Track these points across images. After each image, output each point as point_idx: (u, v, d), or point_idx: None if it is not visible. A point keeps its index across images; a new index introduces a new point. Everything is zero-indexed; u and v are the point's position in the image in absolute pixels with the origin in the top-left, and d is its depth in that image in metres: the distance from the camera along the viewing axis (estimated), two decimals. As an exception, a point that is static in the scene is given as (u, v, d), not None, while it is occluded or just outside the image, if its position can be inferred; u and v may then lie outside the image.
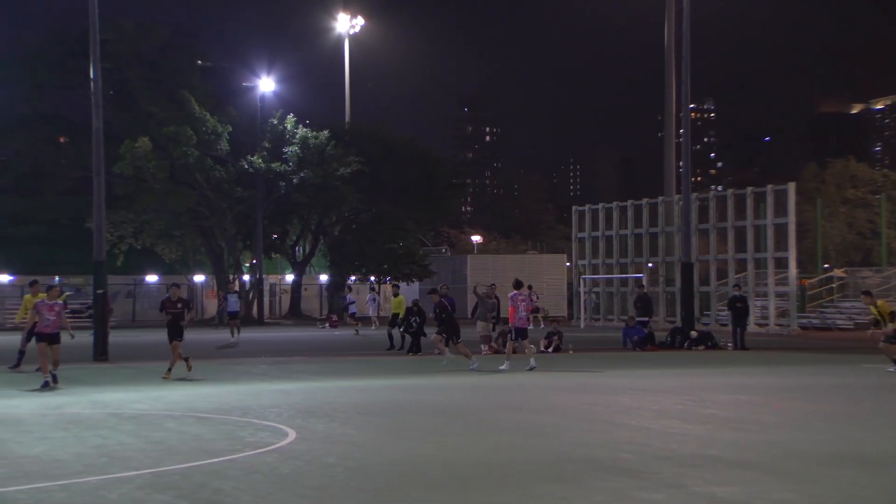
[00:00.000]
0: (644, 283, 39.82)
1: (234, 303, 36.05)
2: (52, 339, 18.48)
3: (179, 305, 20.38)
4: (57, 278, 53.44)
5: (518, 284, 22.92)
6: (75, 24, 47.21)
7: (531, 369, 21.33)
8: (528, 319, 22.93)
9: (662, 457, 10.43)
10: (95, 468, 10.01)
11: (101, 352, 25.74)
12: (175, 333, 19.99)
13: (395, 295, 31.09)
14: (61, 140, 55.57)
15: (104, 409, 15.21)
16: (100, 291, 26.59)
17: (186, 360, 20.05)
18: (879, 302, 22.53)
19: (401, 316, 28.86)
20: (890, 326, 21.11)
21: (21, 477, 9.60)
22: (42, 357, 18.43)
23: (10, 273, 52.49)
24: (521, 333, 22.28)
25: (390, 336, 29.26)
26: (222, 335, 35.82)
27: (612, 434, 12.15)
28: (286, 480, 9.34)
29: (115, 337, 28.73)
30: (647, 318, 31.60)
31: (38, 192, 54.12)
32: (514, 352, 22.40)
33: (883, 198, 54.41)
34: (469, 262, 61.26)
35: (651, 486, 8.97)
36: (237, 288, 39.13)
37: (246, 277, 55.85)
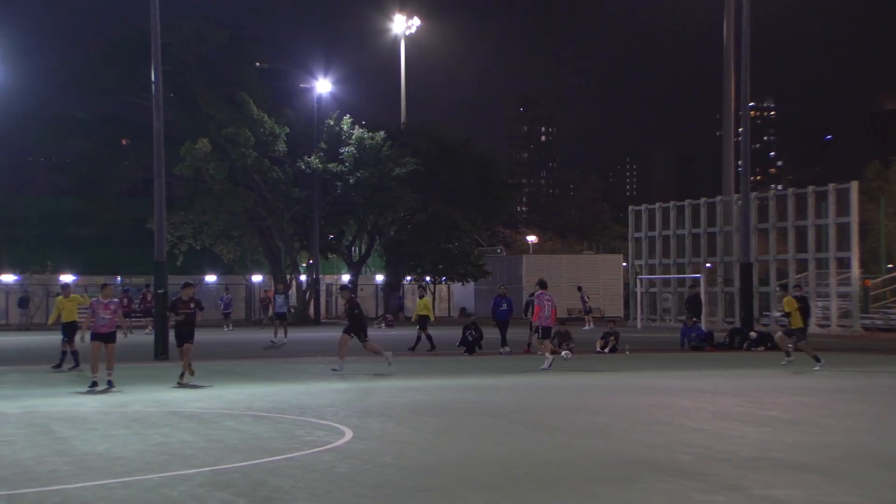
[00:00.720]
0: (701, 282, 39.35)
1: (281, 304, 35.24)
2: (108, 338, 18.16)
3: (192, 306, 19.20)
4: (118, 278, 54.48)
5: (543, 284, 23.31)
6: (137, 28, 47.91)
7: (547, 369, 21.51)
8: (551, 319, 22.79)
9: (721, 459, 10.31)
10: (157, 466, 10.16)
11: (161, 351, 26.11)
12: (186, 336, 18.98)
13: (422, 297, 30.58)
14: (123, 142, 56.54)
15: (165, 407, 15.44)
16: (160, 291, 26.95)
17: (189, 365, 19.00)
18: (786, 298, 23.70)
19: (431, 319, 29.14)
20: (791, 322, 22.95)
21: (84, 474, 9.78)
22: (94, 357, 18.00)
23: (73, 273, 53.50)
24: (546, 333, 22.56)
25: (426, 337, 28.75)
26: (266, 335, 35.90)
27: (669, 435, 12.03)
28: (343, 479, 9.40)
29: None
30: (695, 319, 31.21)
31: (100, 194, 55.13)
32: (551, 351, 22.52)
33: (949, 196, 53.23)
34: (524, 262, 61.11)
35: (710, 488, 8.88)
36: (283, 289, 38.54)
37: (303, 277, 56.30)
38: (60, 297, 22.71)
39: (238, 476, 9.55)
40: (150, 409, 15.12)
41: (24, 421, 13.92)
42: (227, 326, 42.91)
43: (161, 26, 28.66)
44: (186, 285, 19.47)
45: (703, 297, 36.60)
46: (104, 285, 19.13)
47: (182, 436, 12.25)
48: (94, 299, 18.66)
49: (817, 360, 22.25)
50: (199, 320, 19.69)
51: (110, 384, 17.83)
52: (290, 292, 55.05)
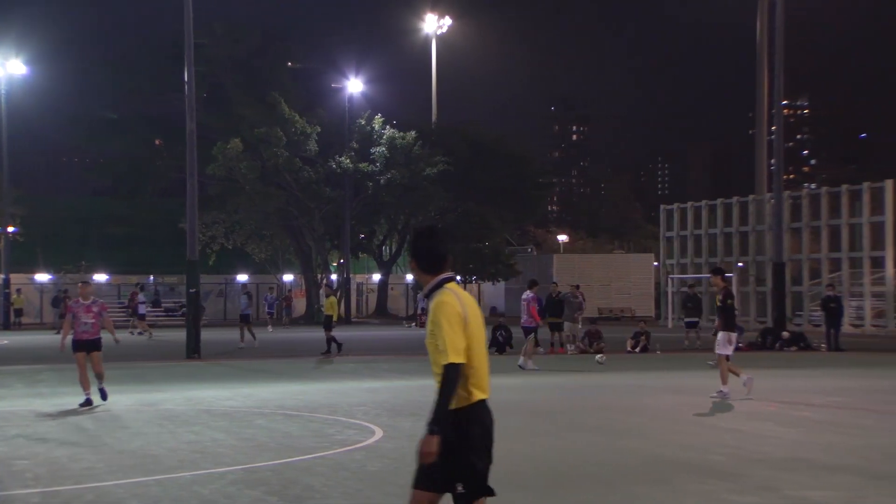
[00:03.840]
0: (692, 283, 39.02)
1: (245, 305, 32.09)
2: (91, 346, 15.21)
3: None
4: (150, 277, 54.97)
5: (532, 284, 23.21)
6: (171, 29, 48.36)
7: (522, 367, 21.45)
8: (532, 319, 22.59)
9: (755, 459, 10.23)
10: (189, 463, 10.23)
11: (193, 349, 26.29)
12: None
13: (328, 296, 28.71)
14: (157, 142, 57.03)
15: (197, 405, 15.54)
16: (193, 290, 27.14)
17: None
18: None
19: (334, 319, 27.59)
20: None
21: (118, 471, 9.87)
22: (82, 370, 15.17)
23: (108, 272, 54.03)
24: (526, 332, 22.45)
25: (330, 340, 27.02)
26: (288, 335, 35.54)
27: (702, 436, 11.96)
28: (374, 478, 9.42)
29: (207, 335, 29.32)
30: (696, 319, 30.71)
31: (134, 193, 55.67)
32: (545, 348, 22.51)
33: None
34: (555, 261, 60.95)
35: (743, 488, 8.81)
36: (246, 289, 35.45)
37: (334, 277, 56.52)
38: None
39: (269, 474, 9.59)
40: (183, 408, 15.23)
41: (57, 419, 14.08)
42: (270, 327, 42.60)
43: (194, 27, 28.85)
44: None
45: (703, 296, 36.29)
46: (83, 283, 16.07)
47: (214, 434, 12.32)
48: (73, 301, 15.72)
49: None
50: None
51: (103, 394, 15.40)
52: (320, 291, 55.34)
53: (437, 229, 5.71)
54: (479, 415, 5.38)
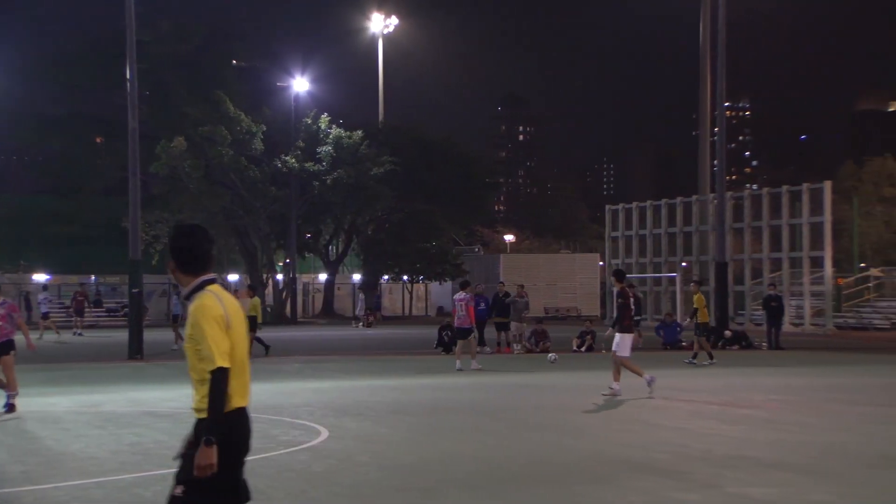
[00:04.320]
0: (633, 283, 39.39)
1: (176, 305, 31.18)
2: (2, 349, 14.25)
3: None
4: (92, 277, 54.14)
5: (464, 285, 23.06)
6: (113, 26, 47.61)
7: (460, 369, 21.27)
8: (468, 320, 22.16)
9: (698, 457, 10.34)
10: (131, 465, 10.08)
11: (136, 350, 25.94)
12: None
13: (251, 297, 27.40)
14: (98, 140, 56.15)
15: (140, 407, 15.34)
16: (135, 290, 26.79)
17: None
18: (699, 295, 24.42)
19: (259, 321, 26.41)
20: (700, 319, 23.67)
21: (57, 474, 9.69)
22: None
23: (48, 272, 53.09)
24: (461, 333, 22.17)
25: (256, 340, 25.80)
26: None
27: (647, 434, 12.06)
28: (319, 479, 9.36)
29: (150, 335, 28.94)
30: (637, 318, 30.96)
31: (75, 192, 54.71)
32: (463, 352, 22.02)
33: (922, 196, 53.73)
34: (502, 261, 61.15)
35: (686, 486, 8.90)
36: (176, 289, 34.53)
37: (279, 276, 56.14)
38: None
39: (213, 476, 9.47)
40: (125, 409, 15.02)
41: (-4, 421, 13.79)
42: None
43: (137, 23, 28.47)
44: None
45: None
46: None
47: (156, 435, 12.16)
48: None
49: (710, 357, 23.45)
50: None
51: (10, 408, 14.24)
52: (266, 291, 54.98)
53: (199, 227, 5.48)
54: (238, 422, 5.25)
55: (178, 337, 29.79)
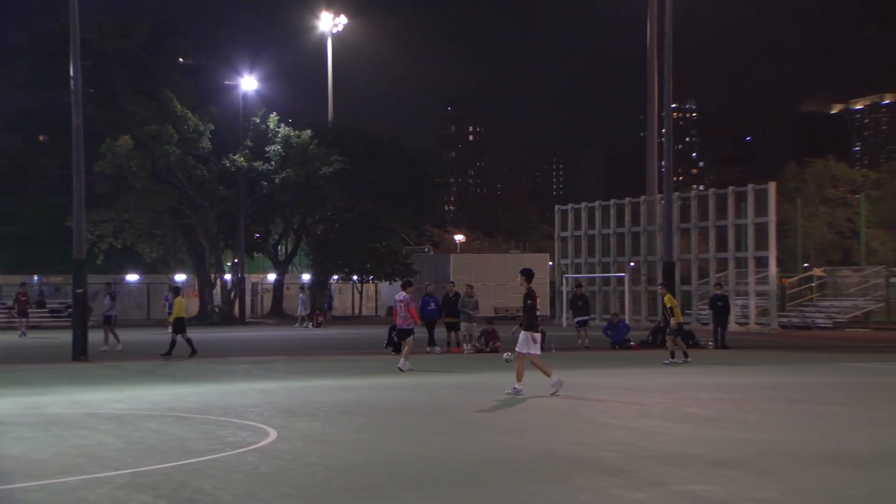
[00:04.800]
0: (582, 283, 39.85)
1: (109, 306, 30.45)
2: None
3: None
4: (36, 277, 53.25)
5: (407, 284, 22.91)
6: (56, 22, 46.85)
7: (401, 369, 21.18)
8: (410, 320, 22.20)
9: (645, 456, 10.43)
10: (75, 468, 9.93)
11: (80, 351, 25.58)
12: None
13: (176, 297, 27.82)
14: (41, 139, 55.23)
15: (84, 408, 15.11)
16: (79, 291, 26.41)
17: None
18: (668, 297, 24.99)
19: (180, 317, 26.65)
20: (673, 321, 24.06)
21: (-1, 477, 9.52)
22: None
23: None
24: (403, 334, 22.10)
25: (174, 342, 26.51)
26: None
27: (595, 433, 12.15)
28: (267, 480, 9.29)
29: (95, 336, 28.54)
30: (585, 318, 31.32)
31: (18, 191, 53.75)
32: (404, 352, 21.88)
33: (862, 197, 54.74)
34: (452, 261, 61.25)
35: (634, 485, 8.97)
36: (109, 289, 32.75)
37: (227, 276, 55.69)
38: None
39: (159, 478, 9.38)
40: (69, 411, 14.79)
41: (-65, 424, 13.50)
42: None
43: (81, 20, 28.04)
44: None
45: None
46: None
47: (101, 438, 11.99)
48: None
49: (685, 356, 23.88)
50: None
51: None
52: (213, 291, 54.50)
53: None
54: None
55: (113, 337, 29.45)
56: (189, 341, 26.48)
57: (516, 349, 16.57)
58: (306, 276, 61.44)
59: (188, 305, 54.74)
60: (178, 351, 26.33)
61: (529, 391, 16.55)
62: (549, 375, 16.35)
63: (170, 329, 27.93)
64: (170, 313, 42.62)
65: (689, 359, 23.93)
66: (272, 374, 21.27)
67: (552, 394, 16.04)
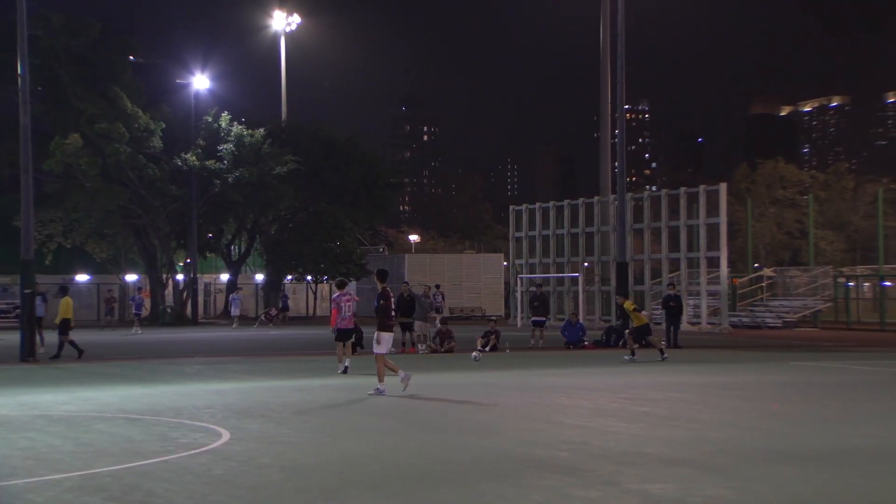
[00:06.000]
0: (540, 283, 40.12)
1: (41, 306, 28.82)
2: None
3: None
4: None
5: (341, 285, 22.30)
6: (4, 19, 45.99)
7: (344, 371, 20.88)
8: (351, 320, 21.62)
9: (598, 455, 10.49)
10: (23, 471, 9.77)
11: (28, 352, 25.19)
12: None
13: (62, 296, 26.72)
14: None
15: (32, 410, 14.88)
16: (27, 291, 26.02)
17: None
18: (626, 303, 26.22)
19: (72, 323, 26.00)
20: (632, 324, 25.08)
21: (-56, 481, 9.33)
22: None
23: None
24: (344, 335, 21.43)
25: (70, 343, 25.75)
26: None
27: (549, 432, 12.19)
28: (220, 481, 9.21)
29: (48, 337, 28.09)
30: (543, 318, 31.46)
31: (-37, 190, 52.78)
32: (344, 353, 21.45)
33: (811, 198, 55.57)
34: (407, 261, 61.23)
35: (586, 483, 9.02)
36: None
37: (179, 277, 55.14)
38: None
39: (109, 480, 9.25)
40: (16, 413, 14.55)
41: None
42: (138, 329, 40.80)
43: (29, 17, 27.67)
44: None
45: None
46: None
47: (50, 440, 11.81)
48: None
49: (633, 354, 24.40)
50: None
51: None
52: (165, 292, 53.94)
53: None
54: None
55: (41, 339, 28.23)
56: (73, 343, 25.66)
57: (373, 349, 16.69)
58: (260, 277, 61.04)
59: (148, 304, 54.34)
60: (66, 352, 25.63)
61: (487, 392, 16.56)
62: (381, 380, 16.47)
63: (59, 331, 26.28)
64: (137, 314, 42.07)
65: (665, 356, 24.53)
66: (225, 374, 21.10)
67: (403, 392, 16.21)
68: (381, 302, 16.70)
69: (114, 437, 12.06)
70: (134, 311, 43.07)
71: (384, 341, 16.57)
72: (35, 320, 26.27)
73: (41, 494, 8.67)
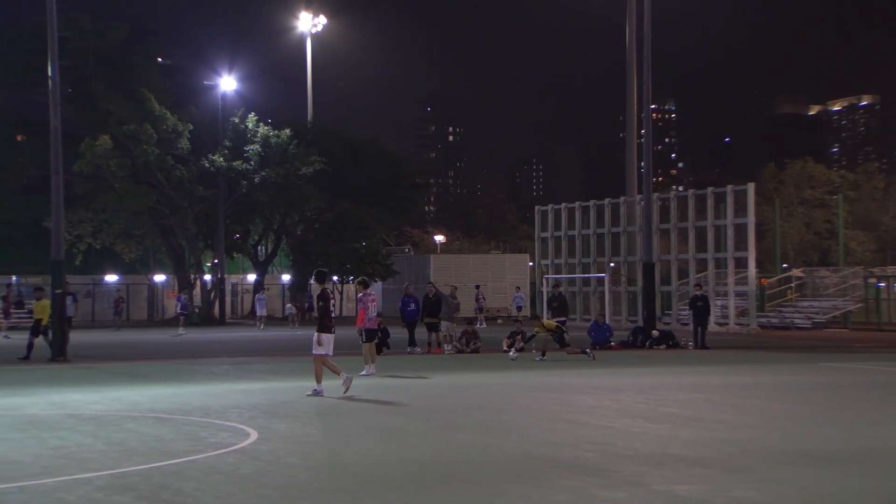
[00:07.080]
0: (560, 283, 40.00)
1: (71, 305, 29.61)
2: None
3: None
4: (14, 278, 52.85)
5: (365, 284, 22.04)
6: (32, 21, 46.50)
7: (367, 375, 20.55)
8: (375, 321, 21.42)
9: (624, 455, 10.49)
10: (54, 469, 9.89)
11: (59, 352, 25.43)
12: None
13: (39, 299, 26.77)
14: (19, 138, 54.87)
15: (63, 409, 15.03)
16: (58, 291, 26.25)
17: None
18: (547, 322, 26.45)
19: (44, 322, 25.88)
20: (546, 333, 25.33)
21: (-23, 479, 9.46)
22: None
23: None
24: (370, 335, 21.11)
25: (31, 346, 25.74)
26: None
27: (574, 433, 12.19)
28: (247, 481, 9.29)
29: (75, 337, 28.38)
30: (563, 318, 31.30)
31: (-5, 191, 53.39)
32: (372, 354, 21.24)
33: (840, 198, 55.13)
34: (432, 261, 61.27)
35: (612, 484, 9.02)
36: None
37: (207, 277, 55.49)
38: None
39: (139, 479, 9.36)
40: (48, 412, 14.71)
41: (-88, 426, 13.40)
42: (182, 329, 41.03)
43: (58, 19, 27.92)
44: None
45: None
46: None
47: (80, 439, 11.94)
48: None
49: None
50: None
51: None
52: (193, 292, 54.27)
53: None
54: None
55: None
56: (30, 347, 25.48)
57: (313, 351, 16.71)
58: (286, 277, 61.28)
59: (172, 305, 54.68)
60: (36, 354, 25.51)
61: (512, 393, 16.57)
62: (319, 381, 16.53)
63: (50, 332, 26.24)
64: (183, 314, 42.24)
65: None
66: (252, 374, 21.23)
67: (344, 394, 16.17)
68: (321, 303, 16.76)
69: (143, 436, 12.18)
70: (179, 311, 43.19)
71: (325, 342, 16.61)
72: (66, 320, 26.54)
73: (72, 493, 8.78)
